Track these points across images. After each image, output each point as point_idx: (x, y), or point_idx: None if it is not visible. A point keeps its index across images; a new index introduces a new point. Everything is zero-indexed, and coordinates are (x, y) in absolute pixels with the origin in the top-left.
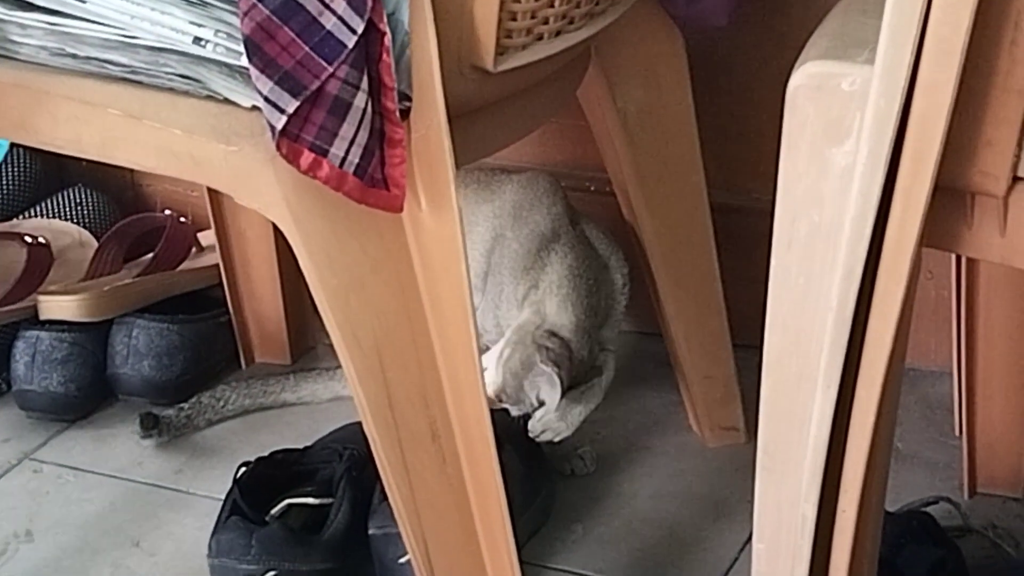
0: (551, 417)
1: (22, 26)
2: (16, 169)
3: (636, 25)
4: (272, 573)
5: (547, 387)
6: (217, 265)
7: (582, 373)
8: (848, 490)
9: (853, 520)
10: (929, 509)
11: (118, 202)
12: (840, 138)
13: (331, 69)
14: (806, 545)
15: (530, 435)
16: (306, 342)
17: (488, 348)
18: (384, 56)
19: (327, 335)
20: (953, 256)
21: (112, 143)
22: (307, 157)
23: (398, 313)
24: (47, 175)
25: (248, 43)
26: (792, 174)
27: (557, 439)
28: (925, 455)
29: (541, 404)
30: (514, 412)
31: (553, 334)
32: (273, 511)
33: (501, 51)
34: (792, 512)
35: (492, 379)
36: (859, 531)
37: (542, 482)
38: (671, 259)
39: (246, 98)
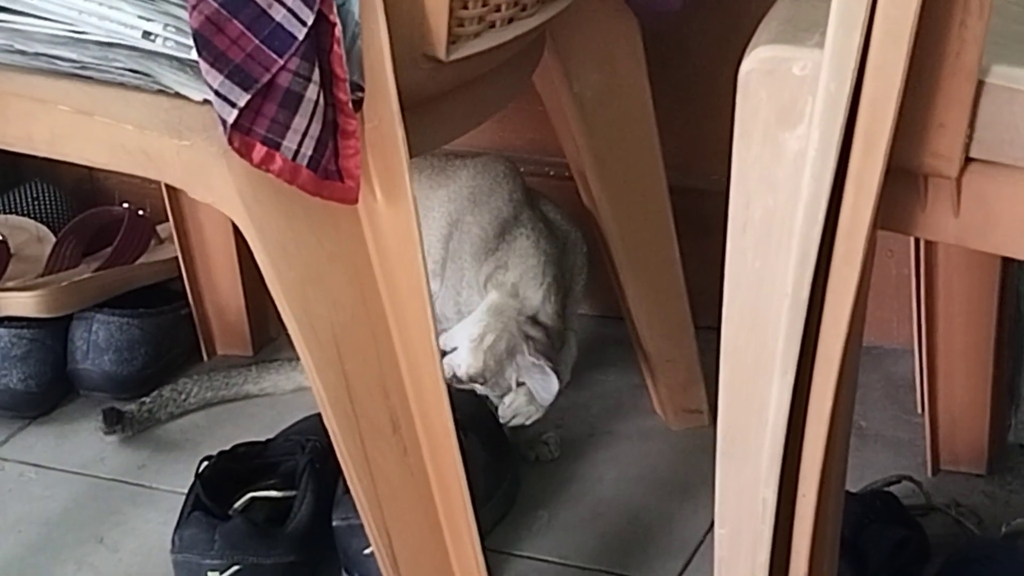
0: (521, 401)
1: None
2: None
3: (590, 10)
4: (236, 567)
5: (540, 378)
6: (176, 257)
7: (555, 355)
8: (807, 475)
9: (813, 504)
10: (892, 488)
11: (75, 196)
12: (793, 122)
13: (282, 61)
14: (767, 530)
15: (501, 421)
16: (267, 333)
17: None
18: (335, 47)
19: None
20: None
21: (63, 140)
22: (259, 151)
23: (355, 304)
24: (2, 170)
25: (197, 37)
26: (745, 159)
27: (528, 422)
28: (888, 433)
29: (519, 385)
30: (481, 391)
31: (536, 322)
32: (236, 505)
33: (453, 40)
34: (753, 497)
35: (469, 362)
36: (820, 514)
37: (506, 469)
38: (631, 242)
39: (197, 92)
